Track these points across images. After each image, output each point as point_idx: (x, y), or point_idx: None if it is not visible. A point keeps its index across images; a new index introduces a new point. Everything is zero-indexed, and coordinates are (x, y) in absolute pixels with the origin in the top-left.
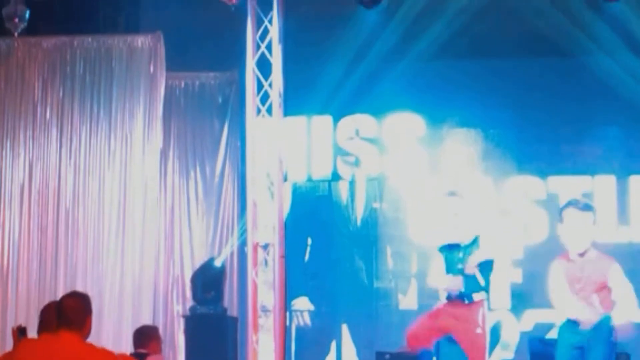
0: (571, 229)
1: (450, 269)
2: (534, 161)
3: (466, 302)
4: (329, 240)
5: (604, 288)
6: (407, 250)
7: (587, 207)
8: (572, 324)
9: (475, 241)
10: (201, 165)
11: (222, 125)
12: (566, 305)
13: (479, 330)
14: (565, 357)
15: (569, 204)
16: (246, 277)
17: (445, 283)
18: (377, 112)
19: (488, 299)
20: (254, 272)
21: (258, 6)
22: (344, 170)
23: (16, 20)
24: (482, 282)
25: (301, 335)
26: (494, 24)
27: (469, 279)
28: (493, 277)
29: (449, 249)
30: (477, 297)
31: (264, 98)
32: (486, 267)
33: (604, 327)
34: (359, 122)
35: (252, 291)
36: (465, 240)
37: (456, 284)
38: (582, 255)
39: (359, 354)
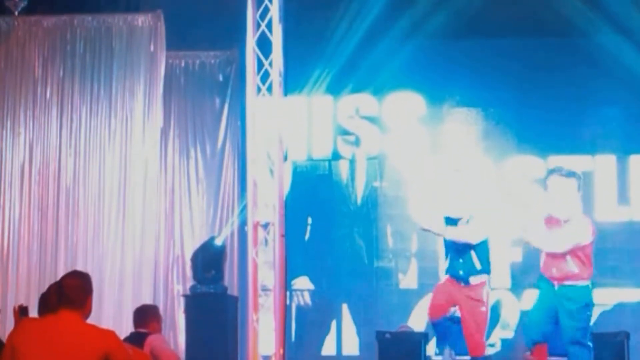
0: (555, 195)
1: (447, 241)
2: (534, 140)
3: (463, 284)
4: (329, 220)
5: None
6: (407, 229)
7: (571, 174)
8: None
9: (470, 219)
10: (201, 144)
11: (222, 104)
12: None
13: (483, 308)
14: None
15: (553, 171)
16: (246, 256)
17: (446, 230)
18: (378, 91)
19: (489, 280)
20: (254, 251)
21: None
22: (344, 150)
23: None
24: (478, 265)
25: (301, 315)
26: (495, 3)
27: (466, 262)
28: (492, 256)
29: (448, 221)
30: (474, 280)
31: (264, 77)
32: (482, 248)
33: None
34: (359, 101)
35: (253, 270)
36: (464, 216)
37: (456, 233)
38: (566, 222)
39: (359, 333)
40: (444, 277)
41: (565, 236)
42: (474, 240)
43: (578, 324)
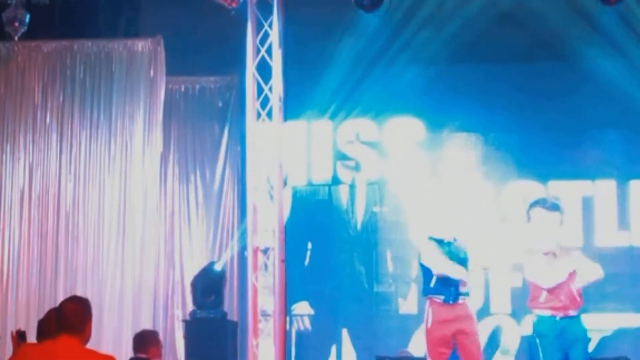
0: (537, 229)
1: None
2: (534, 165)
3: (452, 302)
4: (329, 245)
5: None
6: (407, 254)
7: (554, 207)
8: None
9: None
10: (201, 170)
11: (222, 129)
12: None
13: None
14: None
15: (536, 202)
16: (246, 281)
17: (451, 270)
18: (377, 116)
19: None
20: (254, 276)
21: (258, 10)
22: (344, 175)
23: (16, 24)
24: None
25: (301, 340)
26: (494, 28)
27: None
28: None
29: (437, 242)
30: (461, 300)
31: (264, 102)
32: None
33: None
34: (359, 126)
35: (252, 295)
36: (447, 237)
37: (460, 273)
38: (546, 254)
39: (359, 358)
40: (432, 301)
41: (564, 268)
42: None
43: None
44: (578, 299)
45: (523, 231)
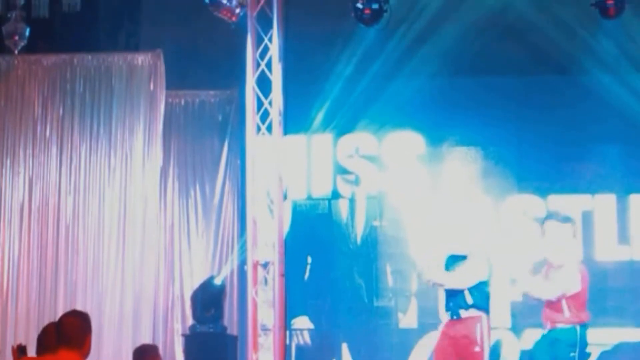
0: (552, 241)
1: None
2: (534, 179)
3: (455, 318)
4: (329, 259)
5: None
6: (407, 268)
7: (567, 219)
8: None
9: (464, 257)
10: (201, 184)
11: (222, 143)
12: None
13: (477, 349)
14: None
15: (550, 216)
16: (246, 295)
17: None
18: (377, 130)
19: (485, 318)
20: (254, 290)
21: (258, 24)
22: (344, 189)
23: (16, 38)
24: (469, 300)
25: (301, 354)
26: (494, 41)
27: (457, 295)
28: (491, 296)
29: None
30: (465, 314)
31: (264, 116)
32: (477, 287)
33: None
34: (359, 140)
35: (252, 310)
36: (459, 252)
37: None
38: (560, 267)
39: None
40: (443, 320)
41: (554, 285)
42: (465, 285)
43: None
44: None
45: (535, 245)
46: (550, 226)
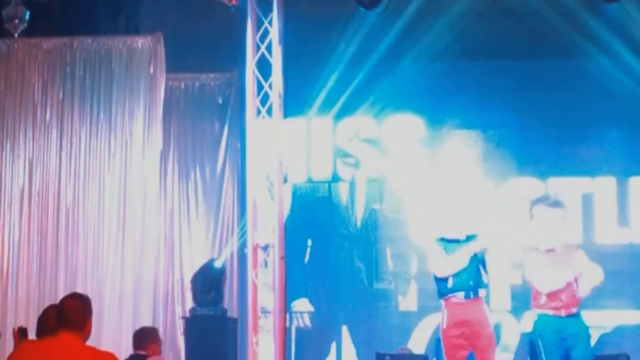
0: (540, 226)
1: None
2: (534, 162)
3: (472, 297)
4: (329, 242)
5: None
6: (407, 251)
7: (557, 204)
8: (549, 318)
9: (470, 238)
10: (201, 167)
11: (222, 126)
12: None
13: (489, 330)
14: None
15: (539, 200)
16: (246, 278)
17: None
18: (377, 113)
19: (487, 295)
20: (254, 273)
21: (258, 7)
22: (344, 172)
23: (16, 21)
24: (485, 279)
25: (301, 337)
26: (494, 25)
27: (476, 273)
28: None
29: (447, 242)
30: (482, 293)
31: (264, 99)
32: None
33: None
34: (359, 123)
35: (252, 292)
36: (461, 236)
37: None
38: (549, 251)
39: (359, 355)
40: (448, 302)
41: (596, 269)
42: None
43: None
44: (577, 296)
45: (525, 228)
46: (539, 210)
